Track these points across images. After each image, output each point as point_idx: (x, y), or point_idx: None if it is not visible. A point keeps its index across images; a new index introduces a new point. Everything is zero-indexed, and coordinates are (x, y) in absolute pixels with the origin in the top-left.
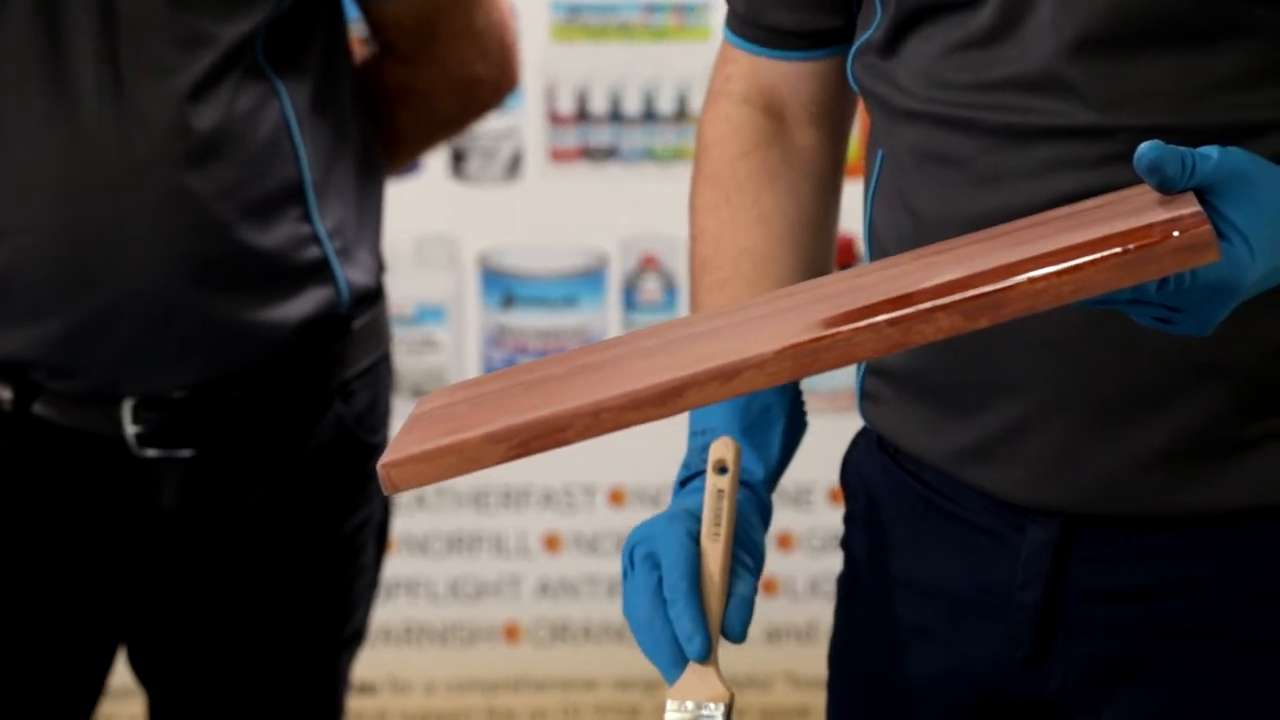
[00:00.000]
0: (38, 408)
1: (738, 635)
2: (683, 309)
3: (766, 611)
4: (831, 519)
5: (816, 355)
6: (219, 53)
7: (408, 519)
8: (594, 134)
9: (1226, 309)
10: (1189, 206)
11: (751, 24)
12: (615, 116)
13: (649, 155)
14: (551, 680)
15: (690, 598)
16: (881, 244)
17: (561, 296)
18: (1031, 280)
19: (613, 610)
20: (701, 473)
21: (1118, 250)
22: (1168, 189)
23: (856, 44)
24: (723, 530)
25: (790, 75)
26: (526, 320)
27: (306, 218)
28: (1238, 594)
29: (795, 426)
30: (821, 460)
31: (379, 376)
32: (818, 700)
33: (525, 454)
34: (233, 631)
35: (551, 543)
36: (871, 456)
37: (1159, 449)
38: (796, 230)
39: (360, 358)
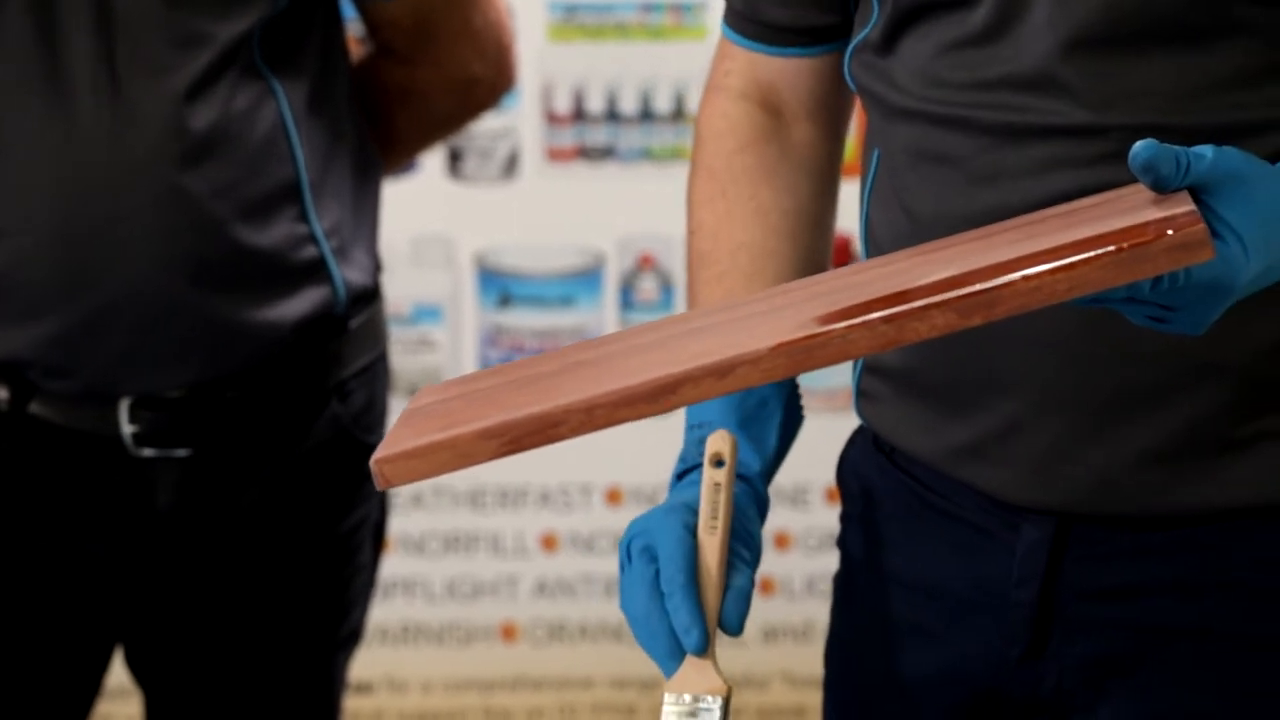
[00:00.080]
0: (34, 407)
1: (735, 628)
2: (679, 308)
3: (763, 611)
4: (828, 518)
5: (811, 352)
6: (215, 52)
7: (404, 519)
8: (591, 133)
9: (1220, 308)
10: (1183, 205)
11: (749, 20)
12: (612, 116)
13: (646, 155)
14: (548, 679)
15: (687, 590)
16: (878, 243)
17: (558, 296)
18: (1025, 278)
19: (610, 610)
20: (698, 466)
21: (1112, 249)
22: (1162, 188)
23: (853, 42)
24: (720, 523)
25: (788, 71)
26: (523, 320)
27: (303, 217)
28: (1232, 593)
29: (792, 420)
30: (818, 459)
31: (376, 376)
32: (814, 699)
33: (518, 450)
34: (229, 631)
35: (548, 542)
36: (867, 455)
37: (1154, 448)
38: (794, 225)
39: (357, 357)
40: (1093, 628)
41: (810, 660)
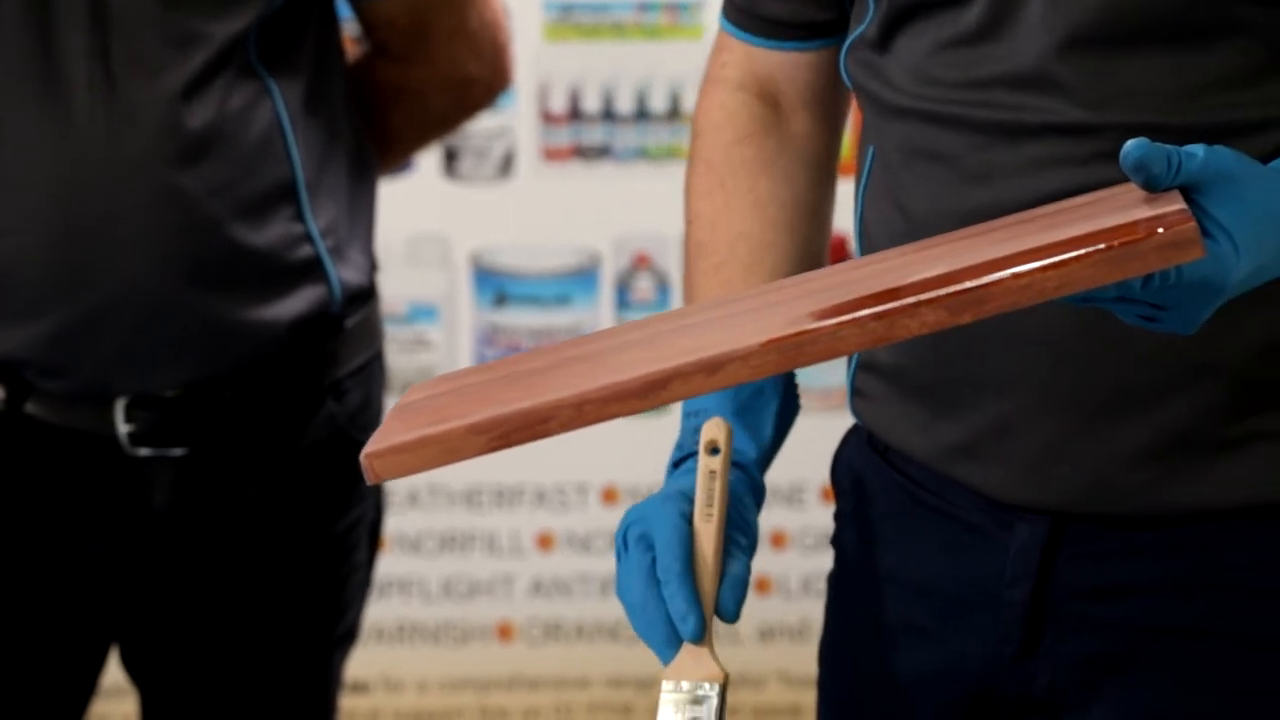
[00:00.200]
0: (30, 407)
1: (731, 615)
2: (675, 308)
3: (759, 610)
4: (824, 517)
5: (801, 349)
6: (211, 51)
7: (400, 518)
8: (587, 133)
9: (1211, 307)
10: (1174, 204)
11: (747, 14)
12: (608, 115)
13: (642, 154)
14: (545, 679)
15: (684, 578)
16: (873, 241)
17: (554, 295)
18: (1016, 276)
19: (606, 609)
20: (694, 454)
21: (1102, 247)
22: (1153, 187)
23: (849, 39)
24: (715, 510)
25: (785, 64)
26: (519, 319)
27: (299, 216)
28: (1226, 592)
29: (788, 409)
30: (814, 458)
31: (371, 375)
32: (810, 699)
33: (508, 445)
34: (225, 630)
35: (544, 541)
36: (861, 454)
37: (1147, 447)
38: (792, 216)
39: (353, 356)
40: (1086, 627)
41: (806, 659)
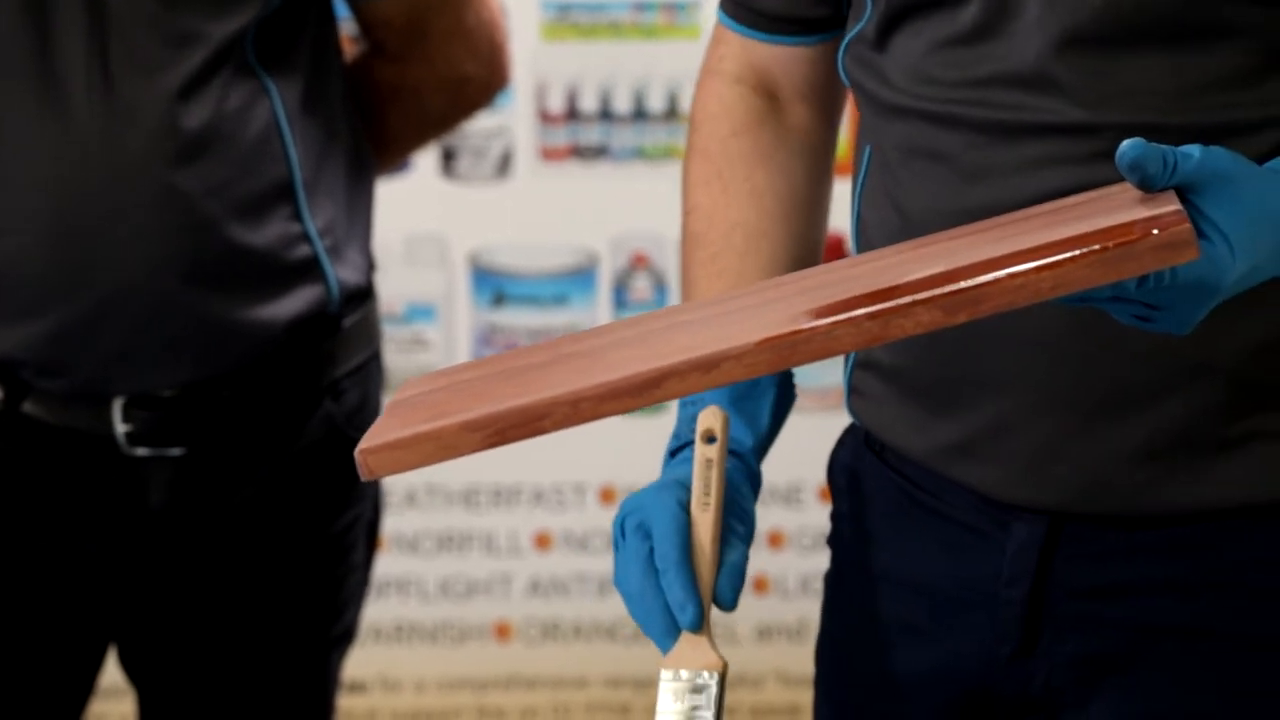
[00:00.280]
0: (27, 406)
1: (729, 603)
2: None
3: (757, 610)
4: (822, 517)
5: (795, 347)
6: (209, 51)
7: (398, 517)
8: (584, 133)
9: (1206, 308)
10: (1169, 205)
11: (744, 7)
12: (605, 115)
13: (639, 154)
14: (542, 679)
15: (681, 567)
16: (869, 240)
17: (552, 295)
18: (1011, 276)
19: (603, 609)
20: (691, 443)
21: (1097, 247)
22: (1149, 187)
23: (847, 37)
24: (712, 499)
25: (782, 59)
26: (517, 319)
27: (297, 216)
28: (1224, 592)
29: (784, 399)
30: (811, 458)
31: (369, 375)
32: (808, 698)
33: (503, 442)
34: (223, 630)
35: (542, 541)
36: (858, 453)
37: (1144, 447)
38: (788, 207)
39: (351, 356)
40: (1083, 626)
41: (804, 659)
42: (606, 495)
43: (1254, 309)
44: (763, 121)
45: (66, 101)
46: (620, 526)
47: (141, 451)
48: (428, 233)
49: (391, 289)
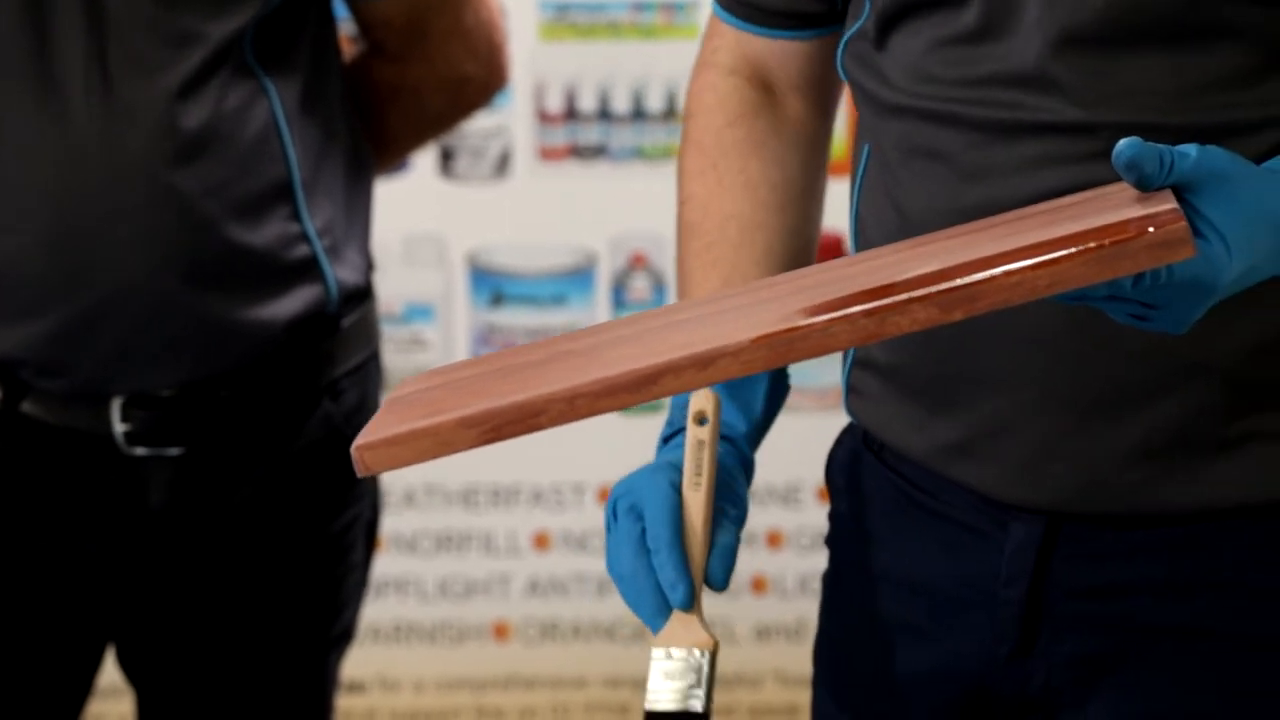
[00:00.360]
0: (26, 406)
1: (720, 583)
2: None
3: (755, 610)
4: (820, 517)
5: (792, 344)
6: (207, 51)
7: (397, 517)
8: (583, 132)
9: (1203, 307)
10: (1165, 203)
11: (739, 1)
12: (604, 115)
13: (638, 154)
14: (541, 679)
15: (673, 546)
16: (868, 239)
17: (550, 295)
18: (1007, 274)
19: (602, 608)
20: (684, 429)
21: (1092, 245)
22: (1145, 186)
23: (845, 36)
24: (704, 480)
25: (777, 52)
26: (515, 319)
27: (295, 216)
28: (1222, 592)
29: (778, 389)
30: (810, 458)
31: (368, 375)
32: (807, 698)
33: (499, 439)
34: (221, 630)
35: (540, 541)
36: (856, 453)
37: (1141, 446)
38: (783, 197)
39: (349, 356)
40: (1081, 626)
41: (803, 659)
42: (605, 495)
43: (1251, 309)
44: (757, 113)
45: (65, 102)
46: (612, 509)
47: (140, 451)
48: (426, 233)
49: (390, 289)
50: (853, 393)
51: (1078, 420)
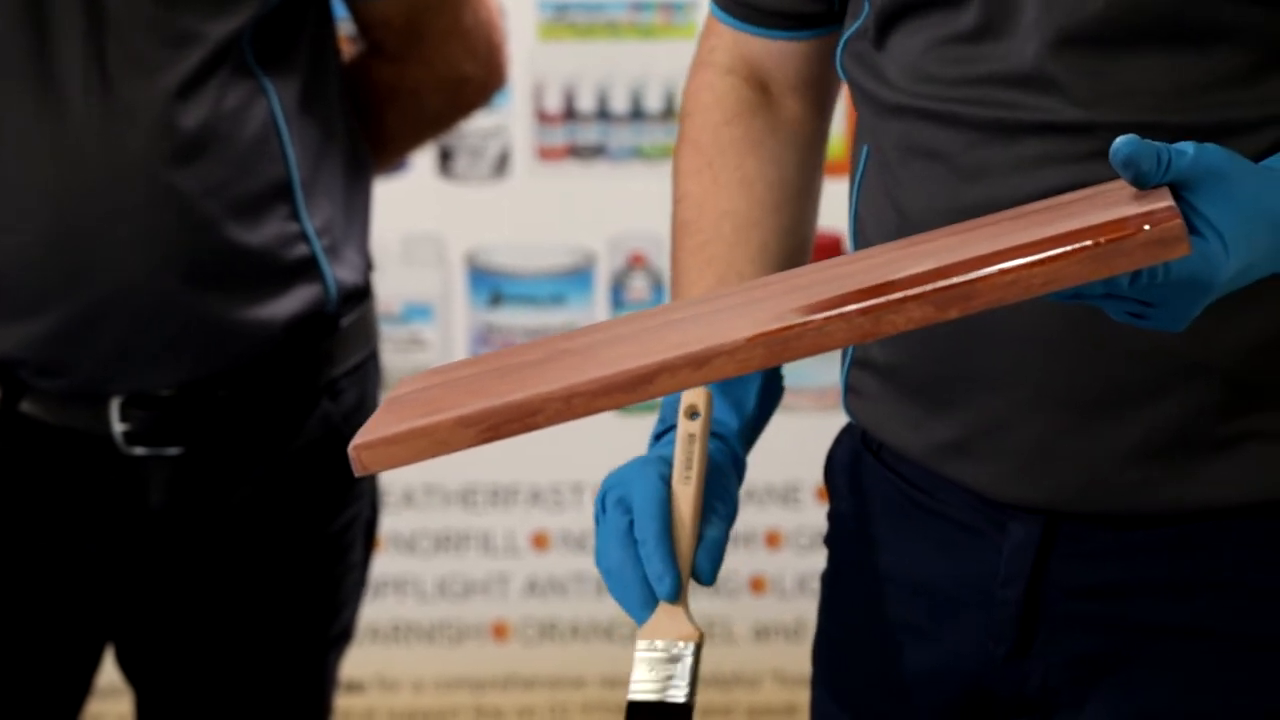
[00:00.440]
0: (25, 406)
1: (707, 577)
2: None
3: (754, 610)
4: (819, 517)
5: (788, 343)
6: (206, 51)
7: (395, 517)
8: (581, 132)
9: (1200, 305)
10: (1162, 201)
11: (736, 1)
12: (603, 115)
13: (637, 153)
14: (539, 678)
15: (661, 538)
16: (867, 238)
17: (549, 295)
18: (1002, 272)
19: (601, 608)
20: (675, 426)
21: (1089, 243)
22: (1142, 184)
23: (845, 35)
24: (694, 474)
25: (774, 52)
26: (514, 318)
27: (294, 216)
28: (1221, 592)
29: (772, 389)
30: (809, 458)
31: (367, 375)
32: (806, 698)
33: (496, 438)
34: (220, 630)
35: (539, 541)
36: (855, 453)
37: (1140, 446)
38: (779, 196)
39: (348, 356)
40: (1079, 626)
41: (802, 659)
42: None
43: (1249, 307)
44: (754, 112)
45: (65, 102)
46: (601, 501)
47: (139, 451)
48: (425, 232)
49: (389, 289)
50: (851, 392)
51: (1076, 419)
